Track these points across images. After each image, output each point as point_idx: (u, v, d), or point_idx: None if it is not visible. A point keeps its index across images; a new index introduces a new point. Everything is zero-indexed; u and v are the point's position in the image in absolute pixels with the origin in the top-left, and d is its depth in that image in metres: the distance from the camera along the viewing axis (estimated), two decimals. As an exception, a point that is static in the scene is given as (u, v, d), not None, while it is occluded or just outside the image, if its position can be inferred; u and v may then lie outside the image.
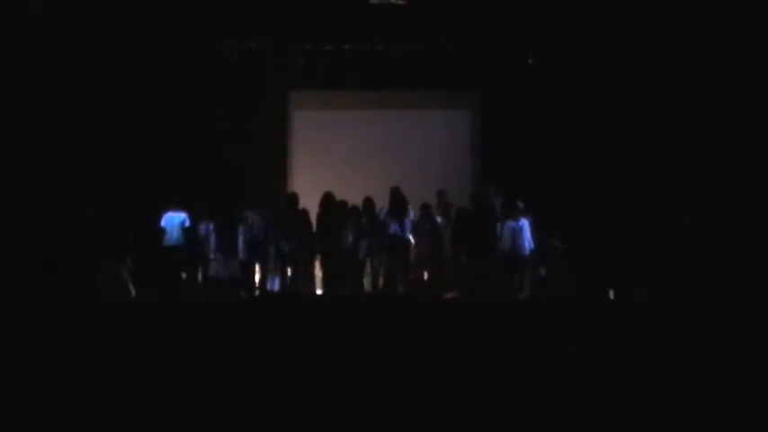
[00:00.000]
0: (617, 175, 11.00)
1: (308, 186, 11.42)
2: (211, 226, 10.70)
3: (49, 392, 5.87)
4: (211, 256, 10.55)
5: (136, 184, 11.10)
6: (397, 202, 10.72)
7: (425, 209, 10.78)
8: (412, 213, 10.83)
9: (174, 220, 10.73)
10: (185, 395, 5.88)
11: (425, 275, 10.88)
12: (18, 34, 9.93)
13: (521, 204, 10.34)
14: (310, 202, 10.88)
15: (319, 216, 10.77)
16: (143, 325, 7.93)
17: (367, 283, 10.71)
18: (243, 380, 6.20)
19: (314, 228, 10.72)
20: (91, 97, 10.76)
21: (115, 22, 10.70)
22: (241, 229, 10.53)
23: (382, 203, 10.84)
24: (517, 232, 10.16)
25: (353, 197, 10.83)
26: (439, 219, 10.89)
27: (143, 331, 7.59)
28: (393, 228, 10.55)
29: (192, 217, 10.73)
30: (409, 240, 10.71)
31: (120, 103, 11.01)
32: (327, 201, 10.75)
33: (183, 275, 10.80)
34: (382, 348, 6.91)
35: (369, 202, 10.72)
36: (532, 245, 10.28)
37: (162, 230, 10.69)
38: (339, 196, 10.75)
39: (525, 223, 10.26)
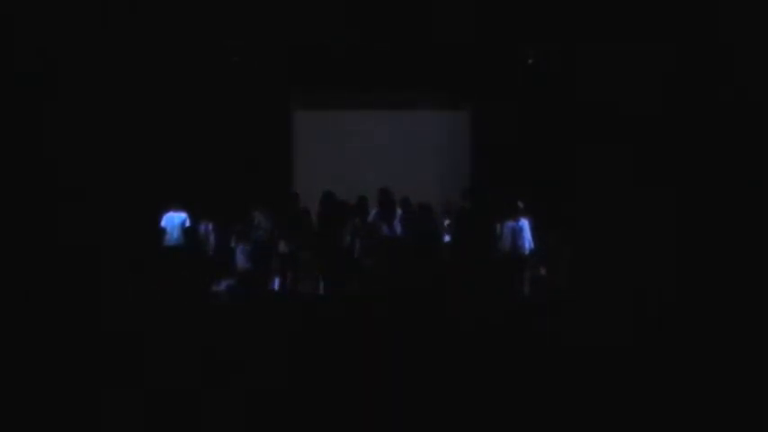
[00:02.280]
0: (617, 173, 10.99)
1: (309, 186, 11.42)
2: (210, 226, 10.72)
3: (51, 392, 5.87)
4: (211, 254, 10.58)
5: (136, 183, 11.07)
6: (385, 203, 10.66)
7: (426, 210, 10.73)
8: (400, 211, 10.78)
9: (174, 220, 10.76)
10: (186, 396, 5.88)
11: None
12: (18, 34, 9.93)
13: (521, 204, 10.36)
14: (311, 202, 10.88)
15: (319, 215, 10.76)
16: (143, 325, 7.92)
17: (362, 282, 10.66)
18: (243, 380, 6.20)
19: (315, 227, 10.71)
20: (91, 96, 10.76)
21: (115, 21, 10.68)
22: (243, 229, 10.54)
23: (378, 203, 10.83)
24: (517, 232, 10.20)
25: (354, 197, 10.82)
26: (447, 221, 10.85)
27: (143, 331, 7.59)
28: (384, 229, 10.50)
29: (193, 217, 10.74)
30: (400, 240, 10.61)
31: (120, 103, 10.99)
32: (327, 200, 10.75)
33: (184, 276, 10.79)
34: (382, 348, 6.92)
35: (362, 202, 10.68)
36: (532, 245, 10.30)
37: (162, 230, 10.71)
38: (339, 196, 10.75)
39: (525, 223, 10.29)
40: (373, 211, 10.73)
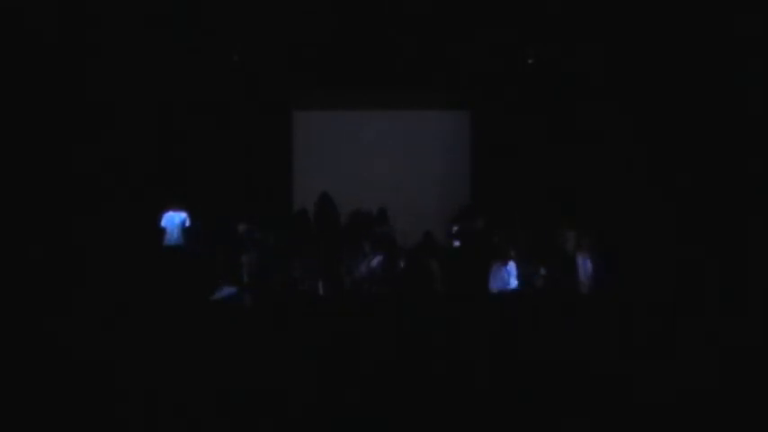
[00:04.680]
0: (618, 173, 11.00)
1: (309, 186, 11.42)
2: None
3: (54, 392, 5.88)
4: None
5: (135, 183, 11.07)
6: (390, 251, 10.40)
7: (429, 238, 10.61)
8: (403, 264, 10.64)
9: (174, 219, 10.76)
10: (186, 396, 5.89)
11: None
12: (17, 33, 9.94)
13: (510, 248, 10.15)
14: (311, 203, 10.88)
15: (316, 216, 10.76)
16: (143, 324, 7.92)
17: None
18: (243, 380, 6.21)
19: (313, 228, 10.69)
20: (90, 96, 10.76)
21: (114, 19, 10.67)
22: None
23: (379, 203, 10.79)
24: (503, 273, 10.01)
25: (353, 197, 10.80)
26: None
27: (143, 331, 7.59)
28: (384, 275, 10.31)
29: (192, 217, 10.75)
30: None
31: (120, 103, 10.99)
32: (323, 202, 10.76)
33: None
34: (382, 348, 6.92)
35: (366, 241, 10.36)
36: (517, 284, 10.08)
37: (162, 230, 10.71)
38: (340, 196, 10.74)
39: (512, 264, 10.09)
40: (376, 260, 10.51)
